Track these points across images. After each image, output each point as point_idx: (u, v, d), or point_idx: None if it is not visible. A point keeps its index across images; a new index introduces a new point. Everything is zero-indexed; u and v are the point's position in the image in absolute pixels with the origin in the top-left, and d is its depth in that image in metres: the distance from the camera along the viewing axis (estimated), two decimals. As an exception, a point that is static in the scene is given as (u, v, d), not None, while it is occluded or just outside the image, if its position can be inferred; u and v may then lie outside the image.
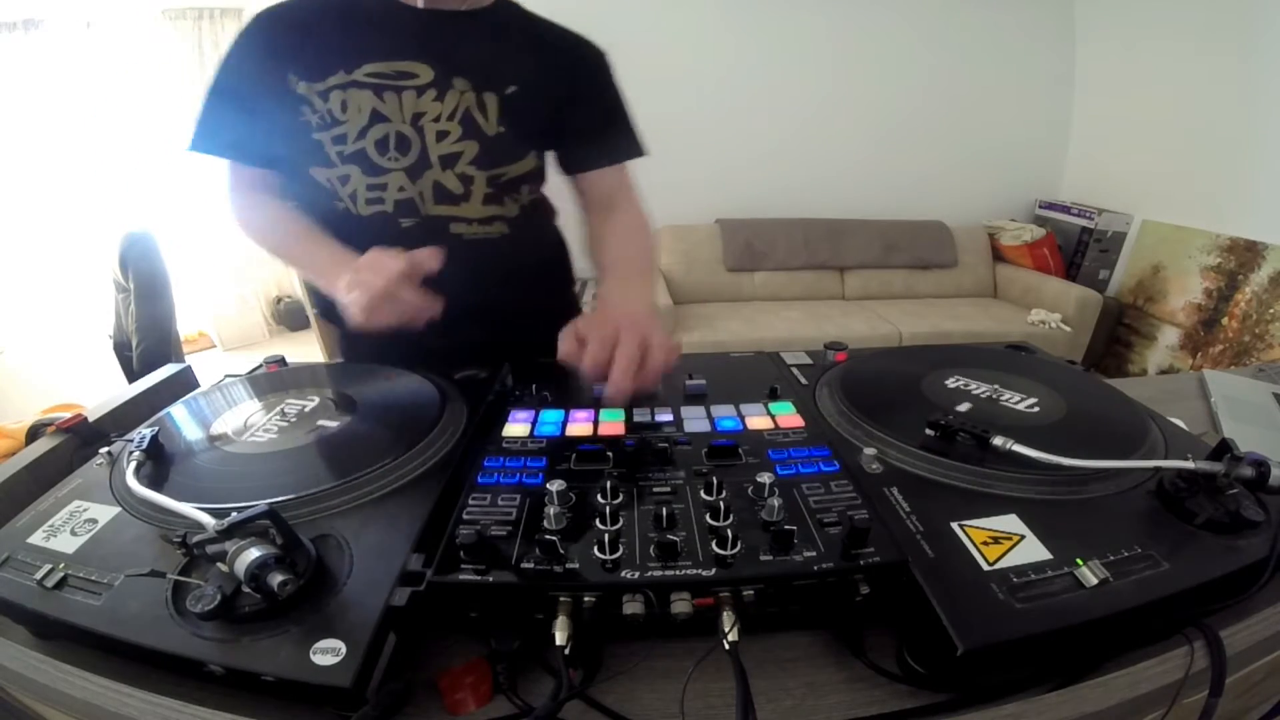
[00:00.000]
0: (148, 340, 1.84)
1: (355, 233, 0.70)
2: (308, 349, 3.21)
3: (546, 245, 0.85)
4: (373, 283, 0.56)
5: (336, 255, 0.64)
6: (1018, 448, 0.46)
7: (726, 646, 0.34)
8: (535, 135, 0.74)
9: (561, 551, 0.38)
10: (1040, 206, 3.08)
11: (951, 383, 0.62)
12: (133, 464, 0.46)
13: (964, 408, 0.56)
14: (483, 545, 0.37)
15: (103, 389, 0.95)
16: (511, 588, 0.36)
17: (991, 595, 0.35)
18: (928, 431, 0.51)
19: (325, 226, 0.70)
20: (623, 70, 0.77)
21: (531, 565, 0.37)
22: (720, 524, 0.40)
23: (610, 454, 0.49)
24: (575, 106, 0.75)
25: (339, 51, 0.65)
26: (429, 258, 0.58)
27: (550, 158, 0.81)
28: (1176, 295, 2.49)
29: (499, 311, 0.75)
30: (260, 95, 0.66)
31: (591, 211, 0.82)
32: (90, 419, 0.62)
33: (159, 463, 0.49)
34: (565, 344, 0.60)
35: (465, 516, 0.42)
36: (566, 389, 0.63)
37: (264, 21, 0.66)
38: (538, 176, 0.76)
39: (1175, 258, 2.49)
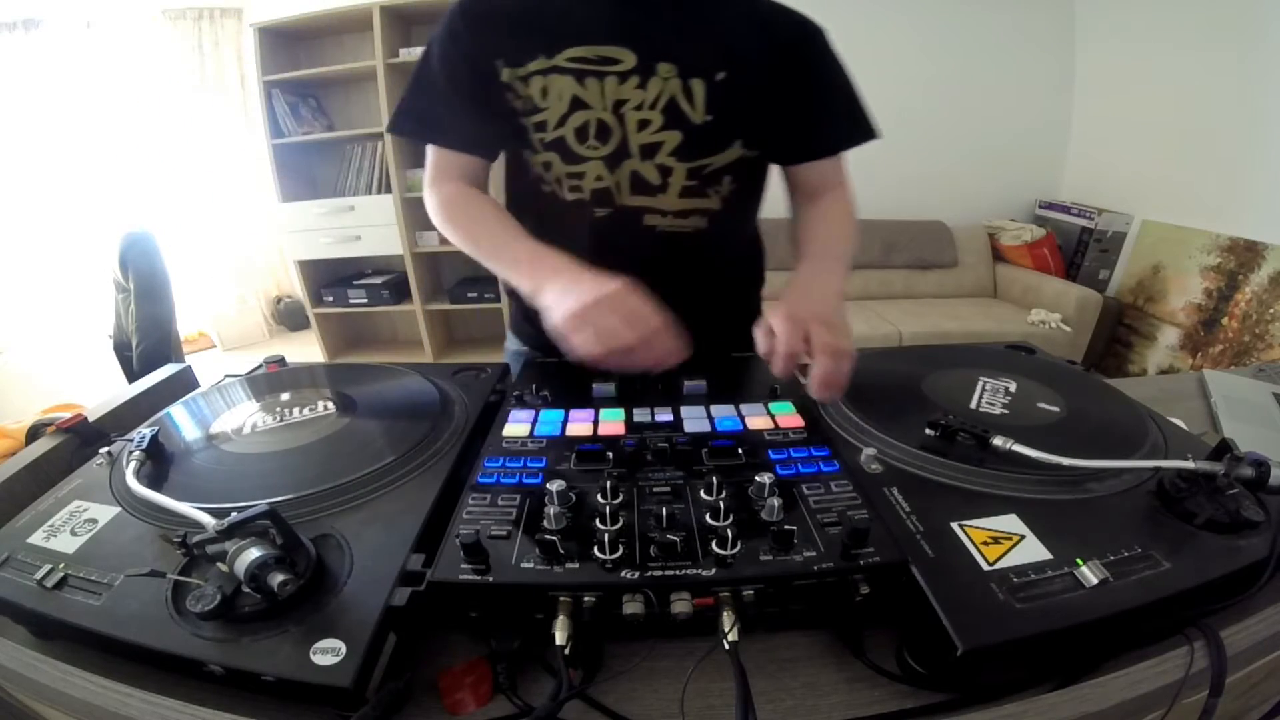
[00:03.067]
0: (148, 340, 1.84)
1: (557, 217, 0.69)
2: (308, 349, 3.21)
3: (744, 243, 0.79)
4: (619, 333, 0.52)
5: (548, 254, 0.61)
6: (1018, 448, 0.46)
7: (726, 646, 0.34)
8: (745, 124, 0.68)
9: (561, 551, 0.38)
10: (1040, 206, 3.08)
11: (952, 383, 0.62)
12: (133, 464, 0.46)
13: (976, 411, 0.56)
14: (483, 545, 0.37)
15: (103, 389, 0.95)
16: (511, 588, 0.36)
17: (992, 595, 0.35)
18: (928, 431, 0.51)
19: (534, 210, 0.70)
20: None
21: (531, 565, 0.37)
22: (720, 524, 0.40)
23: (610, 454, 0.49)
24: (795, 92, 0.68)
25: (540, 36, 0.63)
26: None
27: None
28: (1176, 295, 2.49)
29: (686, 310, 0.65)
30: (467, 82, 0.65)
31: (800, 200, 0.77)
32: (90, 419, 0.62)
33: (159, 463, 0.49)
34: (763, 340, 0.57)
35: (465, 516, 0.42)
36: (566, 389, 0.63)
37: (465, 8, 0.65)
38: (743, 168, 0.70)
39: (1175, 258, 2.49)
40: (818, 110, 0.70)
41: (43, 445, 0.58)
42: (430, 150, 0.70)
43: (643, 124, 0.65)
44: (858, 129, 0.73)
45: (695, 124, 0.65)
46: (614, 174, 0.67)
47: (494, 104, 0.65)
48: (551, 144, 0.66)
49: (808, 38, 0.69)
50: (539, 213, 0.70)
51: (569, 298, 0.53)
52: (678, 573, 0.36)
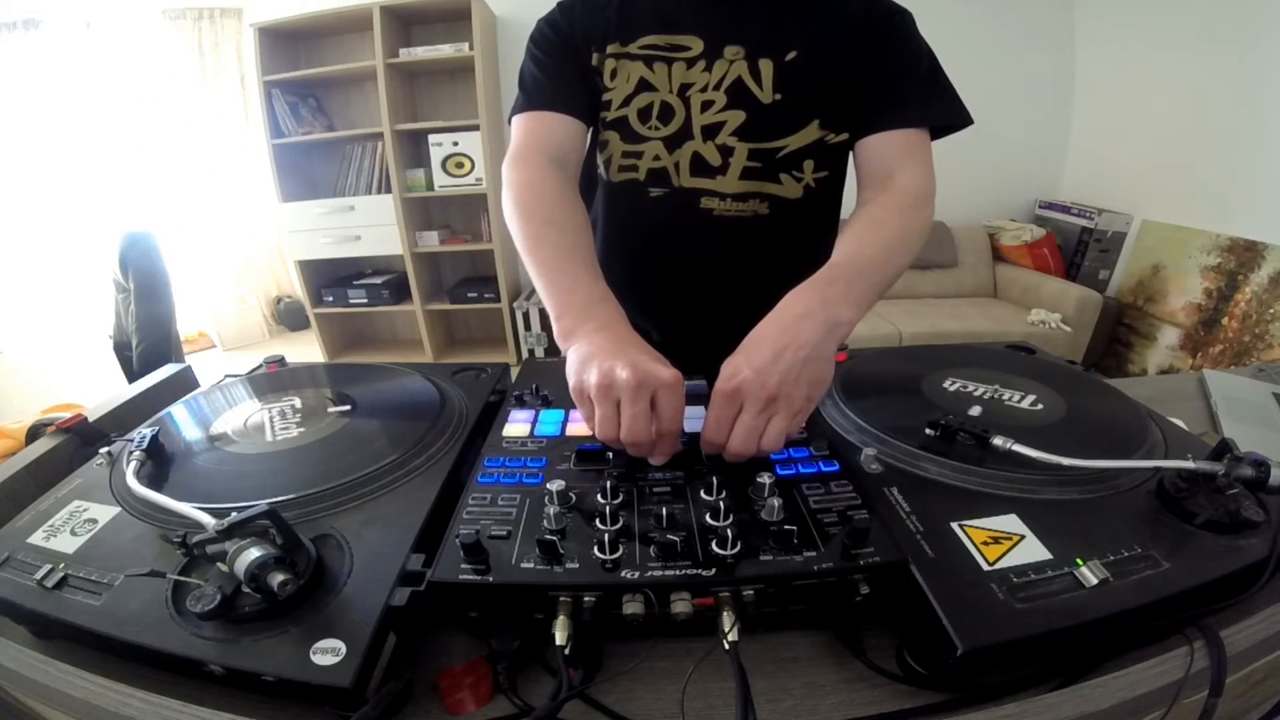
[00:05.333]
0: (148, 340, 1.84)
1: (602, 198, 0.72)
2: (308, 349, 3.21)
3: (819, 239, 0.72)
4: (613, 426, 0.44)
5: (600, 303, 0.52)
6: (1018, 448, 0.46)
7: (726, 646, 0.34)
8: (822, 103, 0.65)
9: (561, 551, 0.38)
10: (1040, 206, 3.08)
11: (952, 383, 0.62)
12: (133, 464, 0.46)
13: (974, 411, 0.56)
14: (483, 545, 0.37)
15: (103, 389, 0.95)
16: (511, 588, 0.36)
17: (991, 595, 0.35)
18: (928, 431, 0.51)
19: (590, 194, 0.73)
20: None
21: (531, 565, 0.37)
22: (720, 524, 0.40)
23: (610, 454, 0.49)
24: (870, 69, 0.65)
25: (619, 24, 0.67)
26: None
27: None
28: (1176, 295, 2.49)
29: (748, 303, 0.56)
30: (562, 58, 0.68)
31: (863, 192, 0.67)
32: (90, 419, 0.62)
33: (159, 463, 0.49)
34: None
35: (465, 516, 0.42)
36: (566, 389, 0.63)
37: (565, 6, 0.70)
38: (828, 152, 0.67)
39: (1175, 258, 2.49)
40: (888, 84, 0.65)
41: (43, 445, 0.58)
42: (519, 121, 0.68)
43: (706, 105, 0.65)
44: (932, 108, 0.65)
45: (763, 103, 0.65)
46: (672, 154, 0.67)
47: (587, 83, 0.69)
48: (613, 123, 0.68)
49: (888, 17, 0.67)
50: (592, 196, 0.73)
51: (590, 365, 0.45)
52: (678, 573, 0.36)
